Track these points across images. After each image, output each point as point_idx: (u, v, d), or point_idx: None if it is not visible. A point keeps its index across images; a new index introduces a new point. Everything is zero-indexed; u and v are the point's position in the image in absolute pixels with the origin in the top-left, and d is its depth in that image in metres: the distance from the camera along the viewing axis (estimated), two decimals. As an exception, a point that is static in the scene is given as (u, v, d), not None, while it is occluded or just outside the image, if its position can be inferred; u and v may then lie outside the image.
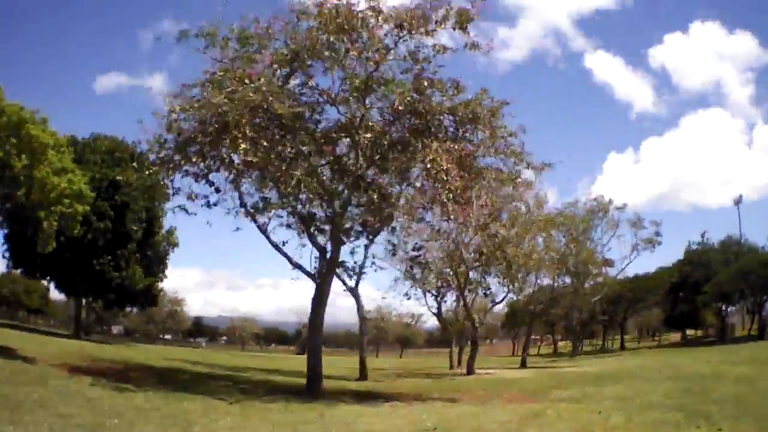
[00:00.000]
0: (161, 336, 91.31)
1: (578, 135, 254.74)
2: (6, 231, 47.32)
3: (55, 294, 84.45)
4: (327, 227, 25.15)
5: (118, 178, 42.02)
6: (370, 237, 26.81)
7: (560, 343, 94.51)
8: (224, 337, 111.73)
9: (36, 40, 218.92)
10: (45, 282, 58.65)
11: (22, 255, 49.38)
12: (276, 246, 24.88)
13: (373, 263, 32.87)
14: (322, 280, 24.25)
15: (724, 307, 72.38)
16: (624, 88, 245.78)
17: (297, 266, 24.81)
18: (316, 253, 25.22)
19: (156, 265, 57.71)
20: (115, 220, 50.59)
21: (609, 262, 67.57)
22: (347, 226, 24.90)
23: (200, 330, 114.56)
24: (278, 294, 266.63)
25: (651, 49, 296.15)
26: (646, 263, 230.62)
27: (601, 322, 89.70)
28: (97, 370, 20.77)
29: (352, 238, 25.93)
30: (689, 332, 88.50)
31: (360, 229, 25.61)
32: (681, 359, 41.25)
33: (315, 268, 25.12)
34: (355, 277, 33.83)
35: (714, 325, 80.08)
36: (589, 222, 63.65)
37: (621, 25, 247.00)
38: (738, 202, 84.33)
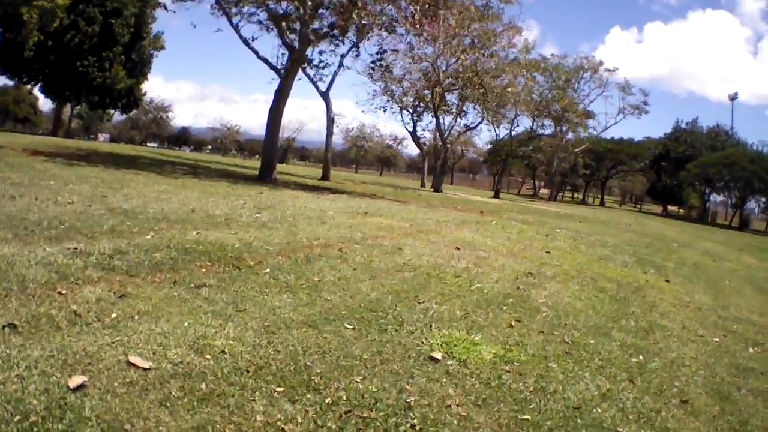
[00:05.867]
0: (145, 144, 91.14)
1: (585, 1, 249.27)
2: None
3: (44, 105, 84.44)
4: (297, 26, 25.45)
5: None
6: (338, 38, 26.66)
7: (542, 190, 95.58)
8: (209, 147, 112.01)
9: None
10: (31, 86, 58.53)
11: (10, 60, 49.24)
12: (245, 41, 25.33)
13: (341, 65, 33.33)
14: (286, 73, 24.74)
15: (707, 191, 73.06)
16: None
17: (264, 60, 25.60)
18: (285, 51, 25.86)
19: (140, 68, 57.56)
20: (104, 25, 50.69)
21: (589, 114, 68.27)
22: (316, 26, 25.45)
23: (186, 139, 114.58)
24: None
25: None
26: (633, 132, 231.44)
27: (583, 176, 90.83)
28: (58, 154, 20.63)
29: (320, 39, 26.49)
30: (671, 208, 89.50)
31: (328, 30, 25.82)
32: (655, 223, 41.69)
33: (282, 64, 25.94)
34: (326, 82, 34.33)
35: (697, 207, 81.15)
36: (574, 74, 63.89)
37: None
38: (733, 98, 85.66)
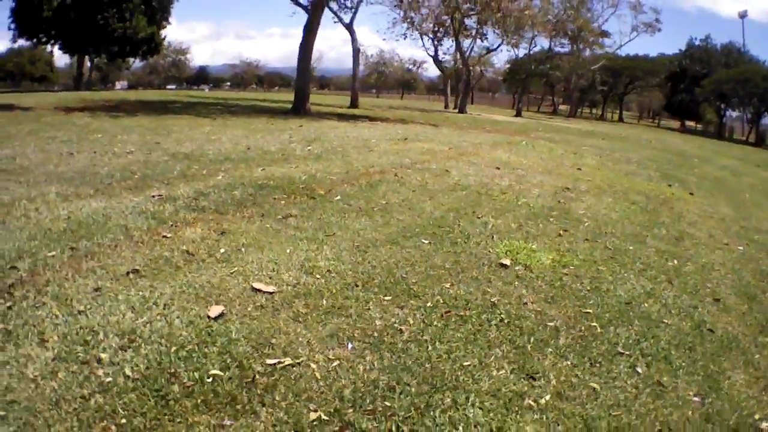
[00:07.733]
0: (165, 87, 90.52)
1: None
2: (13, 5, 47.54)
3: (60, 62, 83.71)
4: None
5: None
6: None
7: (561, 107, 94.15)
8: (228, 83, 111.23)
9: None
10: (50, 46, 58.45)
11: (28, 23, 49.09)
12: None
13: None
14: (313, 9, 24.88)
15: (723, 106, 71.69)
16: None
17: None
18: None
19: (159, 14, 57.18)
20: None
21: (604, 33, 67.38)
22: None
23: (204, 78, 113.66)
24: (287, 42, 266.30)
25: None
26: (647, 49, 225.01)
27: (601, 92, 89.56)
28: (90, 108, 20.68)
29: None
30: (688, 123, 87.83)
31: None
32: (674, 139, 41.51)
33: (309, 0, 26.19)
34: (350, 14, 34.33)
35: (713, 122, 79.76)
36: None
37: None
38: (743, 15, 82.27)
